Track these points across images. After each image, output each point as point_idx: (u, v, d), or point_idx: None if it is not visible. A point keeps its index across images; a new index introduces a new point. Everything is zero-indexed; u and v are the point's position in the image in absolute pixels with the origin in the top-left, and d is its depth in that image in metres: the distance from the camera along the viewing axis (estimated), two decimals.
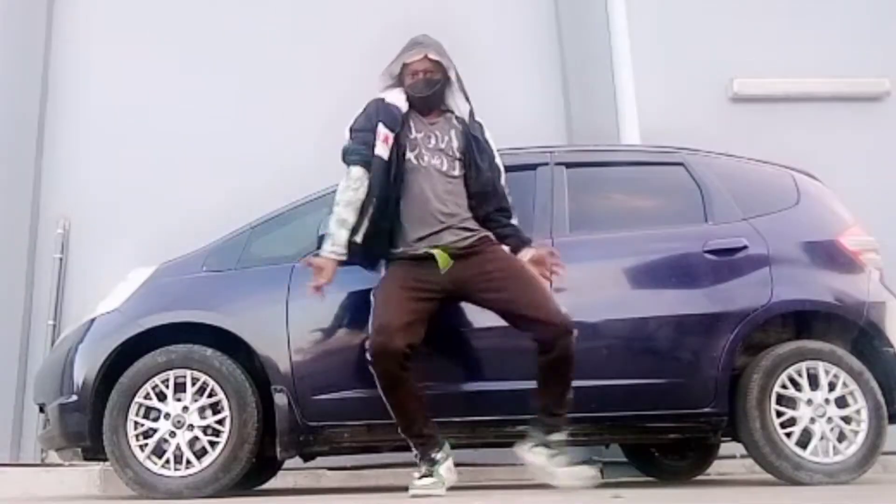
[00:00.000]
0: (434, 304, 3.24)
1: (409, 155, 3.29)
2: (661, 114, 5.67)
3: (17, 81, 6.01)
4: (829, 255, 3.84)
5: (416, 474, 3.15)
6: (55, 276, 5.67)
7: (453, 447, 4.07)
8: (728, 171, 4.02)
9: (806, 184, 4.09)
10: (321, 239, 3.56)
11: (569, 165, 3.96)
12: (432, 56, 3.32)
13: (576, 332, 3.13)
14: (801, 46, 6.22)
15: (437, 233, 3.24)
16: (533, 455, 3.21)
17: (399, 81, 3.39)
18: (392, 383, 3.11)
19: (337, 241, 3.26)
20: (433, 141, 3.32)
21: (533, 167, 3.93)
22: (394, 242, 3.32)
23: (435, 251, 3.22)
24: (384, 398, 3.15)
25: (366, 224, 3.26)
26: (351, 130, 3.36)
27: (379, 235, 3.29)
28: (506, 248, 3.35)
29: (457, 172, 3.31)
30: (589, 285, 3.69)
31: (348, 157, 3.33)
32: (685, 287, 3.70)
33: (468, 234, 3.28)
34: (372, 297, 3.27)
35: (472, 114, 3.42)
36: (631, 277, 3.76)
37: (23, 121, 5.93)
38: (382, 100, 3.35)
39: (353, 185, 3.28)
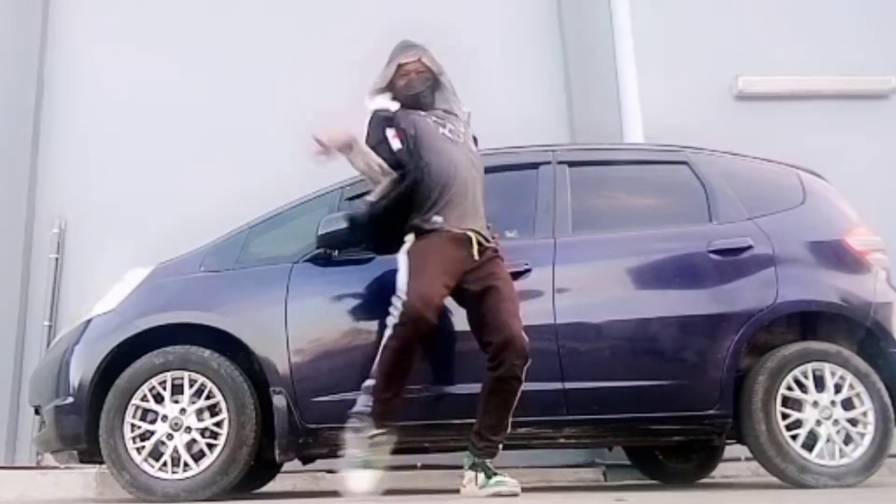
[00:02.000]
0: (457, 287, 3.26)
1: (443, 131, 3.36)
2: (664, 112, 5.63)
3: (12, 80, 5.95)
4: (836, 254, 3.79)
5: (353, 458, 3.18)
6: (51, 277, 5.61)
7: (452, 450, 4.06)
8: (733, 170, 3.97)
9: (812, 183, 4.05)
10: (321, 238, 3.55)
11: (571, 164, 3.92)
12: (425, 60, 3.44)
13: (529, 361, 3.13)
14: (806, 44, 6.18)
15: (476, 215, 3.29)
16: (467, 479, 3.20)
17: (390, 85, 3.44)
18: (408, 350, 3.12)
19: (366, 149, 3.32)
20: (447, 127, 3.39)
21: (535, 166, 3.88)
22: (421, 212, 3.29)
23: (473, 235, 3.24)
24: (386, 357, 3.12)
25: (391, 195, 3.29)
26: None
27: (398, 211, 3.30)
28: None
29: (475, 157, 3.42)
30: (592, 285, 3.66)
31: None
32: (689, 287, 3.66)
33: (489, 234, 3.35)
34: (405, 256, 3.23)
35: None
36: (634, 277, 3.72)
37: (18, 120, 5.87)
38: (376, 111, 3.43)
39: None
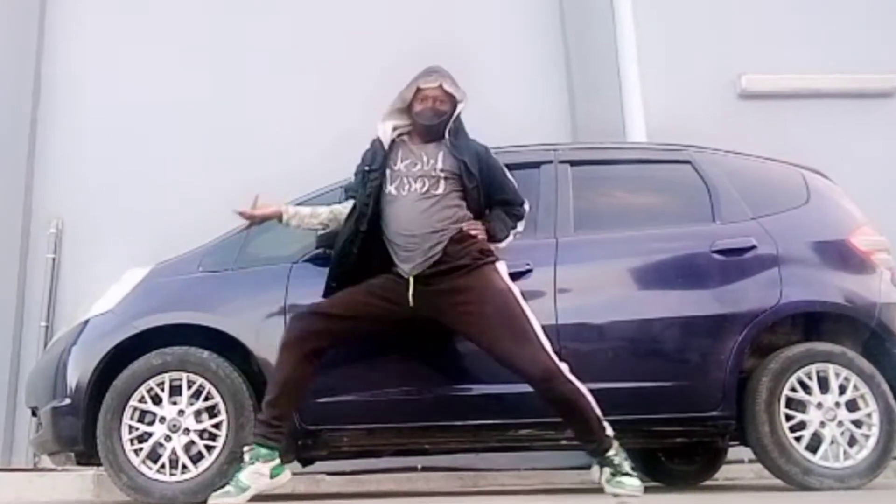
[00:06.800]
0: (384, 313, 3.23)
1: (390, 188, 3.31)
2: (667, 111, 5.62)
3: (10, 79, 5.93)
4: (840, 254, 3.76)
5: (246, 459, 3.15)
6: (48, 277, 5.60)
7: (455, 451, 4.04)
8: (736, 170, 3.94)
9: (816, 182, 4.02)
10: (319, 239, 3.54)
11: (573, 163, 3.89)
12: (447, 87, 3.33)
13: (560, 373, 3.10)
14: (809, 42, 6.18)
15: (411, 256, 3.23)
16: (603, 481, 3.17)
17: (409, 106, 3.38)
18: (286, 349, 3.19)
19: (302, 211, 3.50)
20: (418, 166, 3.31)
21: (536, 165, 3.85)
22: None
23: (410, 276, 3.20)
24: (273, 371, 3.24)
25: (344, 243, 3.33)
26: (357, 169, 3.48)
27: (374, 256, 3.31)
28: (494, 272, 3.26)
29: (440, 190, 3.27)
30: (594, 286, 3.63)
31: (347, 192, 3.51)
32: (692, 288, 3.63)
33: (440, 254, 3.21)
34: None
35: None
36: (637, 278, 3.69)
37: (16, 119, 5.86)
38: (377, 139, 3.42)
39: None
